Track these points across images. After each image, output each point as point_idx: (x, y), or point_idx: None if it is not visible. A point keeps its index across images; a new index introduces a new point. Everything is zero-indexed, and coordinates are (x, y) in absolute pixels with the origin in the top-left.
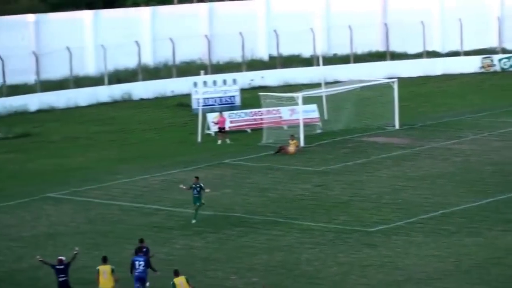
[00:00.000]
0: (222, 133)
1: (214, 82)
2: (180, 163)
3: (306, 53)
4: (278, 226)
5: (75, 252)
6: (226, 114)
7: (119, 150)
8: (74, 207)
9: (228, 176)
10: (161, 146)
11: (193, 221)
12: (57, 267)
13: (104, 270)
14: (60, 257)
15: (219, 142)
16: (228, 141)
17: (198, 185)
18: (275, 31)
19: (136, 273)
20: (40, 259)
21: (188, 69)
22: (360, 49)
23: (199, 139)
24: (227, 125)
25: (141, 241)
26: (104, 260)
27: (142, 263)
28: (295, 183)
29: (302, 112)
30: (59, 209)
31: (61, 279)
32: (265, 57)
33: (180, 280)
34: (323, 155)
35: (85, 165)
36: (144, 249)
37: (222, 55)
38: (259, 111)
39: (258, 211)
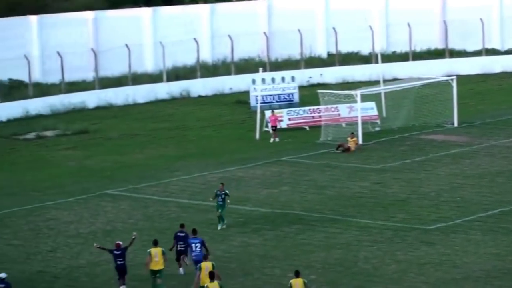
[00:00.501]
0: (274, 131)
1: (273, 80)
2: (238, 160)
3: (365, 50)
4: (336, 223)
5: (133, 237)
6: (284, 111)
7: (177, 147)
8: (132, 204)
9: (286, 173)
10: (219, 143)
11: (220, 227)
12: (115, 252)
13: (156, 252)
14: (117, 242)
15: (272, 140)
16: (277, 139)
17: (223, 192)
18: (333, 28)
19: (193, 256)
20: (98, 246)
21: (247, 66)
22: (419, 47)
23: (257, 136)
24: (285, 123)
25: (182, 225)
26: (155, 243)
27: (198, 244)
28: (353, 181)
29: (361, 110)
30: (117, 206)
31: (119, 263)
32: (324, 55)
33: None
34: (381, 153)
35: (143, 162)
36: (183, 234)
37: (281, 52)
38: (318, 108)
39: (316, 209)
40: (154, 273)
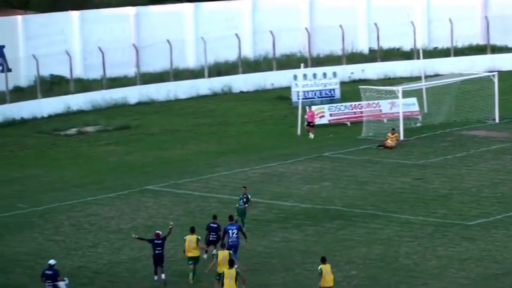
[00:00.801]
0: (311, 127)
1: (314, 75)
2: (279, 156)
3: (407, 46)
4: (377, 219)
5: (170, 227)
6: (325, 107)
7: (218, 142)
8: (173, 200)
9: (327, 169)
10: (260, 138)
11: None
12: (156, 241)
13: (191, 239)
14: (157, 232)
15: (311, 136)
16: (311, 135)
17: (245, 196)
18: (375, 24)
19: (230, 242)
20: (136, 236)
21: (288, 62)
22: (460, 42)
23: (299, 132)
24: (327, 119)
25: (215, 217)
26: (192, 231)
27: (235, 231)
28: (394, 176)
29: (402, 105)
30: (158, 202)
31: (157, 252)
32: (365, 50)
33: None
34: (423, 149)
35: (184, 157)
36: (216, 225)
37: (322, 48)
38: (359, 104)
39: (357, 204)
40: (191, 259)
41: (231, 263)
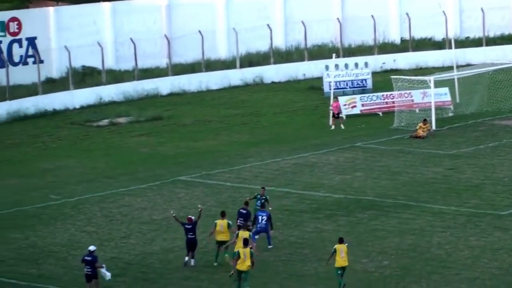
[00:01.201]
0: (336, 118)
1: (346, 65)
2: (311, 146)
3: (438, 36)
4: (409, 209)
5: (200, 210)
6: (357, 97)
7: (250, 133)
8: (205, 190)
9: (359, 159)
10: (292, 129)
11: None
12: (187, 226)
13: (221, 223)
14: (189, 216)
15: (333, 127)
16: (342, 126)
17: (263, 197)
18: (407, 14)
19: (258, 227)
20: (174, 214)
21: (320, 52)
22: (492, 32)
23: (330, 122)
24: (359, 109)
25: (246, 203)
26: (223, 215)
27: (264, 217)
28: (427, 166)
29: (434, 95)
30: (190, 192)
31: (189, 236)
32: (397, 40)
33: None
34: (455, 138)
35: (216, 148)
36: (245, 211)
37: (354, 38)
38: (391, 94)
39: (389, 195)
40: (220, 243)
41: (245, 243)
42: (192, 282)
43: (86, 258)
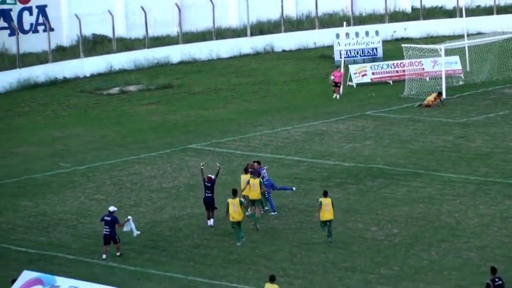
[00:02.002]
0: (338, 87)
1: (357, 34)
2: (321, 115)
3: (449, 4)
4: (419, 177)
5: (218, 168)
6: (367, 66)
7: (260, 101)
8: (215, 159)
9: (369, 127)
10: (302, 97)
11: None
12: (206, 183)
13: (234, 202)
14: (209, 175)
15: (334, 96)
16: (338, 96)
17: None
18: None
19: (265, 181)
20: (202, 167)
21: (331, 20)
22: (503, 0)
23: (341, 91)
24: (369, 77)
25: (258, 163)
26: (234, 194)
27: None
28: (437, 135)
29: (445, 64)
30: (200, 161)
31: (207, 195)
32: (408, 9)
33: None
34: (465, 107)
35: (226, 116)
36: (250, 170)
37: (365, 7)
38: (401, 62)
39: (399, 163)
40: (234, 224)
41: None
42: (201, 250)
43: (105, 217)
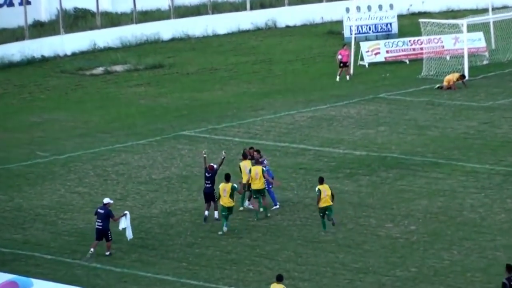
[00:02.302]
0: (343, 68)
1: (369, 8)
2: (329, 98)
3: None
4: (439, 168)
5: (223, 157)
6: (381, 43)
7: (261, 83)
8: (211, 147)
9: (383, 112)
10: (308, 78)
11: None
12: (206, 174)
13: (225, 188)
14: (211, 164)
15: (338, 78)
16: (348, 77)
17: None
18: None
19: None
20: (205, 155)
21: None
22: None
23: (351, 71)
24: (383, 56)
25: (258, 151)
26: (227, 179)
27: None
28: (459, 120)
29: (467, 41)
30: (194, 149)
31: (207, 186)
32: None
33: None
34: (490, 89)
35: (223, 99)
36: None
37: None
38: (419, 39)
39: (416, 151)
40: (224, 210)
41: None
42: (195, 249)
43: (99, 210)
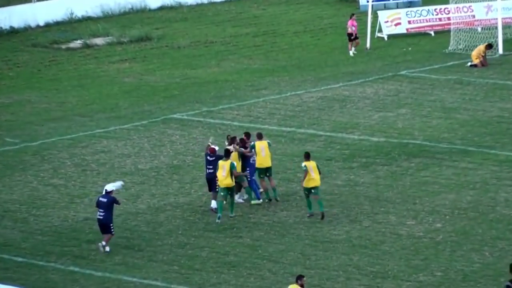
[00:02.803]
0: (352, 40)
1: None
2: (342, 75)
3: None
4: (469, 156)
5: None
6: (402, 12)
7: (264, 58)
8: (206, 132)
9: (405, 92)
10: (318, 53)
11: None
12: (208, 157)
13: (224, 165)
14: (212, 146)
15: (351, 53)
16: (352, 53)
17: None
18: None
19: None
20: (211, 144)
21: None
22: None
23: (368, 44)
24: (404, 27)
25: (248, 134)
26: (227, 155)
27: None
28: (491, 101)
29: (502, 10)
30: (187, 135)
31: (209, 171)
32: None
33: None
34: None
35: (220, 77)
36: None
37: None
38: (446, 8)
39: (442, 138)
40: (223, 190)
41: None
42: (188, 251)
43: (101, 199)
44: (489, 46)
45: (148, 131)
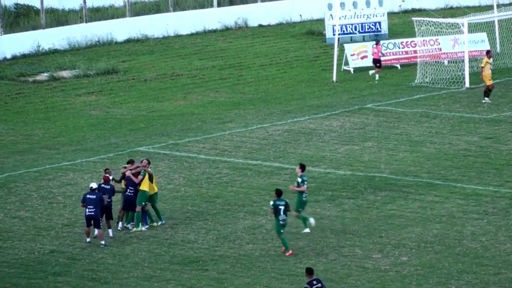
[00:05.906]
0: (378, 67)
1: (354, 4)
2: (309, 108)
3: None
4: (435, 190)
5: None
6: (368, 45)
7: (230, 91)
8: (172, 165)
9: (371, 125)
10: (285, 86)
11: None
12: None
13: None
14: (106, 174)
15: (377, 77)
16: (373, 76)
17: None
18: None
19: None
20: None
21: None
22: None
23: (334, 77)
24: (371, 60)
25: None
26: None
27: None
28: (458, 135)
29: (468, 43)
30: (153, 168)
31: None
32: None
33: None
34: (495, 99)
35: (187, 110)
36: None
37: None
38: (412, 41)
39: (409, 171)
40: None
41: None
42: (154, 283)
43: (88, 196)
44: (488, 52)
45: (115, 164)
